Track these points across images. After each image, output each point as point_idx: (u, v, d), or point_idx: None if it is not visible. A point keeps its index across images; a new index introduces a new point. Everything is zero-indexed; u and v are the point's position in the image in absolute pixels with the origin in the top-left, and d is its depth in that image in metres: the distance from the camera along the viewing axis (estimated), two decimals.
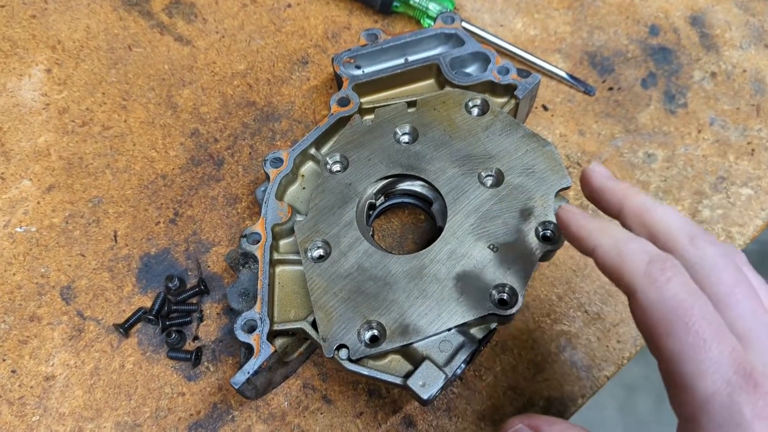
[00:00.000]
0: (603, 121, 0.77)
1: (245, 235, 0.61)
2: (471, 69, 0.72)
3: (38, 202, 0.71)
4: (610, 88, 0.79)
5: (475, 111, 0.67)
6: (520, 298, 0.55)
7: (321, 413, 0.62)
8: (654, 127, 0.76)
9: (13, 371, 0.63)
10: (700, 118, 0.77)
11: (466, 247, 0.58)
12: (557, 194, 0.61)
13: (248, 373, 0.54)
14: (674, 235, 0.43)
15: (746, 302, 0.40)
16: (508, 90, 0.68)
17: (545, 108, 0.77)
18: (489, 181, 0.62)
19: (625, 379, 1.96)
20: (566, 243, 0.69)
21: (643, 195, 0.47)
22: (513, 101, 0.68)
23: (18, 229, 0.70)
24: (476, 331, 0.56)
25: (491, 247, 0.58)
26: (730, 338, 0.38)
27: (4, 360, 0.64)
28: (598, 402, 1.94)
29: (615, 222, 0.48)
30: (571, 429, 0.46)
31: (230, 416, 0.62)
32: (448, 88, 0.69)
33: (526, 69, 0.69)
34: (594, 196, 0.50)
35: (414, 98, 0.68)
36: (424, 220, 0.70)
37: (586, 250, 0.46)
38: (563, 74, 0.78)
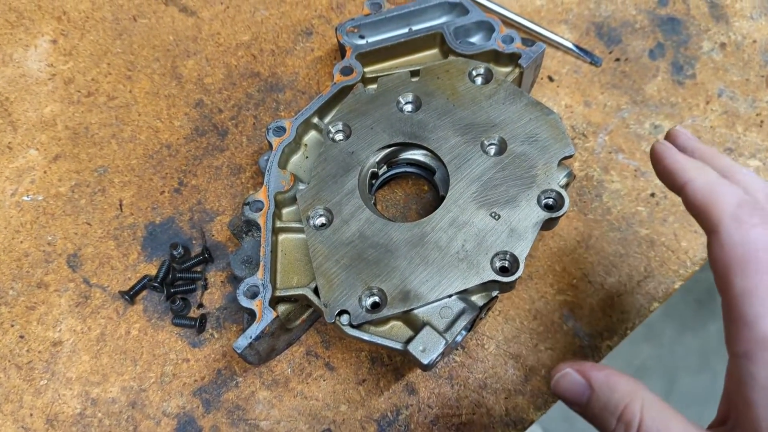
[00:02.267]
0: (609, 92, 0.76)
1: (248, 203, 0.61)
2: (475, 38, 0.71)
3: (45, 171, 0.72)
4: (617, 59, 0.78)
5: (479, 80, 0.66)
6: (521, 266, 0.55)
7: (324, 380, 0.63)
8: (661, 98, 0.76)
9: (21, 336, 0.64)
10: (708, 90, 0.76)
11: (467, 214, 0.58)
12: (560, 163, 0.60)
13: (250, 337, 0.55)
14: (758, 193, 0.45)
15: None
16: (512, 59, 0.67)
17: (551, 79, 0.77)
18: (492, 149, 0.62)
19: (635, 360, 1.95)
20: (568, 214, 0.69)
21: (728, 158, 0.50)
22: (517, 70, 0.67)
23: (25, 198, 0.71)
24: (477, 299, 0.56)
25: (493, 214, 0.58)
26: None
27: (12, 325, 0.65)
28: None
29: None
30: (617, 375, 0.45)
31: (234, 382, 0.63)
32: (451, 57, 0.68)
33: (532, 39, 0.68)
34: (663, 158, 0.51)
35: (417, 67, 0.67)
36: (427, 191, 0.70)
37: (676, 184, 0.48)
38: (569, 45, 0.77)
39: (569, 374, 0.45)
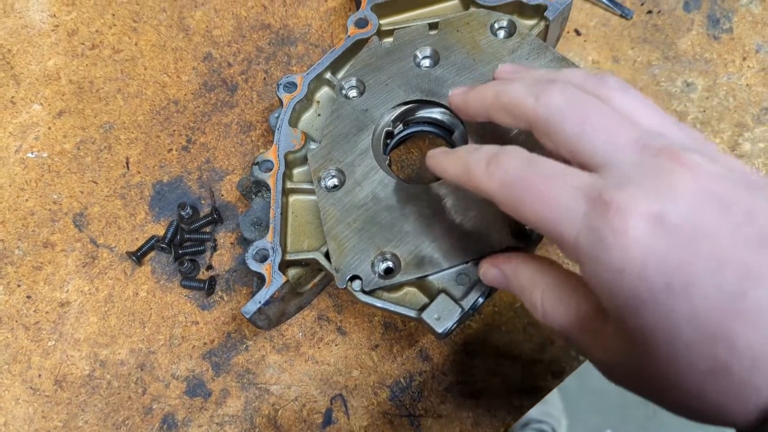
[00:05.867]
0: (640, 47, 0.72)
1: (257, 163, 0.58)
2: None
3: (49, 128, 0.70)
4: (649, 11, 0.73)
5: (501, 33, 0.62)
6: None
7: (336, 345, 0.61)
8: (695, 53, 0.71)
9: (28, 297, 0.63)
10: (745, 45, 0.72)
11: None
12: None
13: (259, 302, 0.53)
14: (521, 102, 0.44)
15: (598, 136, 0.40)
16: (538, 11, 0.63)
17: (578, 33, 0.72)
18: None
19: None
20: None
21: (493, 84, 0.48)
22: (542, 23, 0.63)
23: (29, 155, 0.69)
24: None
25: None
26: (575, 177, 0.39)
27: (19, 285, 0.64)
28: None
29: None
30: (522, 265, 0.47)
31: (244, 346, 0.61)
32: (472, 9, 0.64)
33: None
34: (465, 112, 0.51)
35: (436, 19, 0.63)
36: None
37: (445, 179, 0.48)
38: None
39: (489, 269, 0.49)
